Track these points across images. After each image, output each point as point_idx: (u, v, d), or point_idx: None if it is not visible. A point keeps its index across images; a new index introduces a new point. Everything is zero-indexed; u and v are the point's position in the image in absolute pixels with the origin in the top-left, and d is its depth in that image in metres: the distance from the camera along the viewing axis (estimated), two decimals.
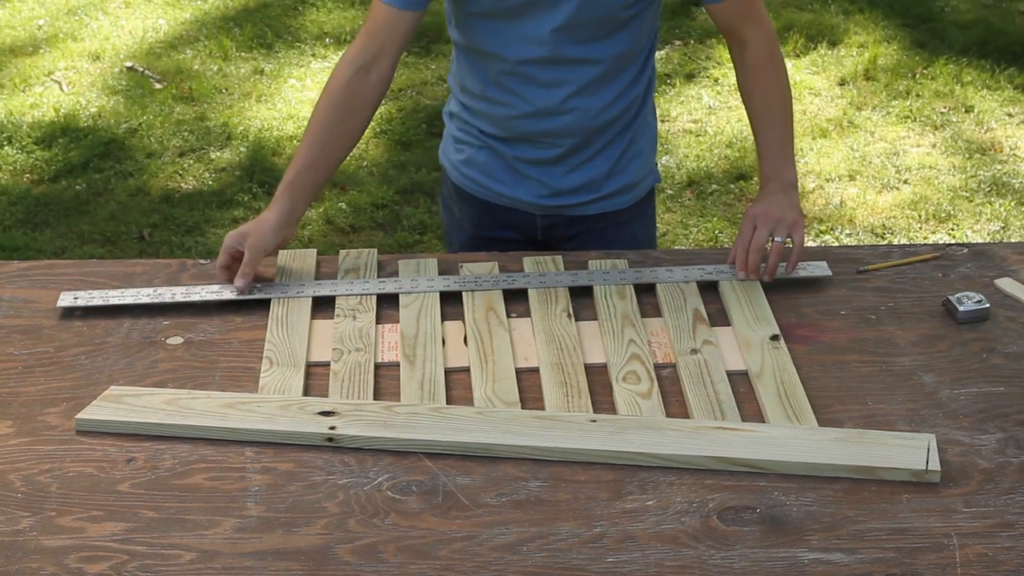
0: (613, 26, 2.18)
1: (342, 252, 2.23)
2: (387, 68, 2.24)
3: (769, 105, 2.25)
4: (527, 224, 2.40)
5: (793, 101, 2.30)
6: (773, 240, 2.13)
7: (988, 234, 4.27)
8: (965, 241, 4.01)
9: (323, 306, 2.09)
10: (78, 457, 1.73)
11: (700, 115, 5.06)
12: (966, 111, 5.06)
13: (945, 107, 5.10)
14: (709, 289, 2.12)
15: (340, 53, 5.55)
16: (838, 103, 5.14)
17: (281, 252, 2.22)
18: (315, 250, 2.24)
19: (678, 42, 5.66)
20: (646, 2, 2.19)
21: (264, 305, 2.08)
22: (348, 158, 4.81)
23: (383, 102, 5.23)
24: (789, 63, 5.41)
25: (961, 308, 2.03)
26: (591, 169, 2.33)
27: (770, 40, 2.25)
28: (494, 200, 2.40)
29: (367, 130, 4.92)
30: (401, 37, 2.23)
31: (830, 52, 5.56)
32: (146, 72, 5.43)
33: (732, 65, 2.32)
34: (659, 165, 4.69)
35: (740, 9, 2.22)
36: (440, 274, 2.16)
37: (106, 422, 1.79)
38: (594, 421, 1.78)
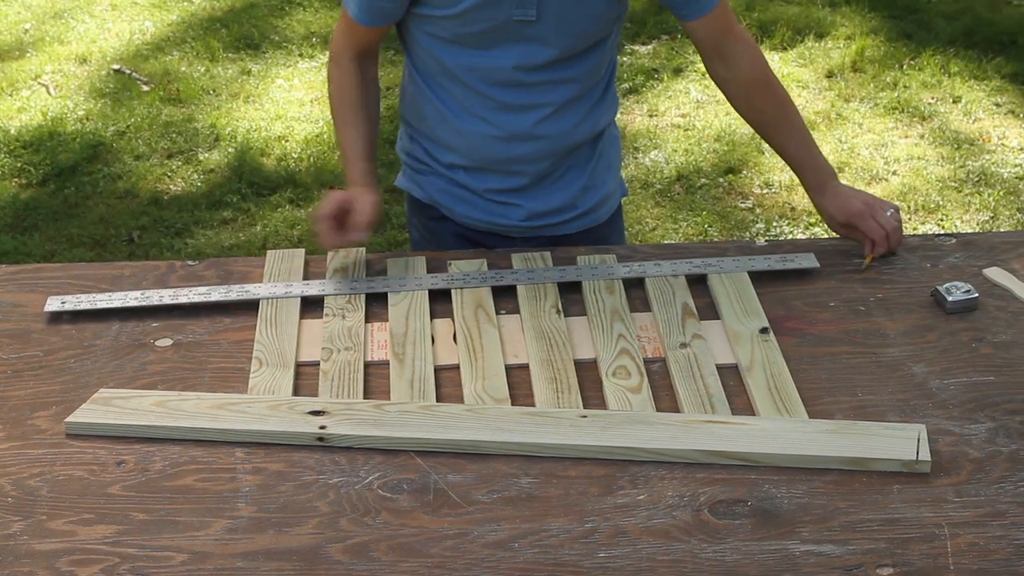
0: (586, 45, 2.16)
1: (330, 252, 2.23)
2: (368, 61, 2.27)
3: (778, 118, 2.24)
4: (506, 247, 2.30)
5: None
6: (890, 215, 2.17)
7: (977, 224, 4.28)
8: (954, 231, 4.02)
9: (312, 306, 2.09)
10: (68, 460, 1.73)
11: (688, 109, 5.06)
12: (953, 102, 5.07)
13: (933, 98, 5.10)
14: (698, 283, 2.12)
15: (326, 53, 5.55)
16: (826, 95, 5.15)
17: (269, 252, 2.22)
18: (303, 250, 2.24)
19: (665, 36, 5.66)
20: (617, 19, 2.17)
21: (253, 306, 2.07)
22: (336, 157, 4.80)
23: None
24: (776, 56, 5.44)
25: (950, 298, 2.03)
26: (566, 189, 2.30)
27: (758, 54, 2.23)
28: (469, 224, 2.35)
29: None
30: (368, 44, 2.24)
31: (817, 44, 5.56)
32: (133, 74, 5.42)
33: (714, 82, 2.28)
34: (648, 159, 4.70)
35: (718, 25, 2.18)
36: (428, 272, 2.16)
37: (96, 425, 1.78)
38: (584, 417, 1.78)
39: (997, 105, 5.04)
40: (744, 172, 4.58)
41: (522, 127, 2.20)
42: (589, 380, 1.89)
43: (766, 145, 4.69)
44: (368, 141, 2.24)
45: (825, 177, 2.23)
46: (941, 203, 4.40)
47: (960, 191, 4.48)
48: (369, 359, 1.95)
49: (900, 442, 1.71)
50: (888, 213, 2.16)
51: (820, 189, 2.24)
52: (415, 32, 2.18)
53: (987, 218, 4.32)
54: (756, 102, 2.24)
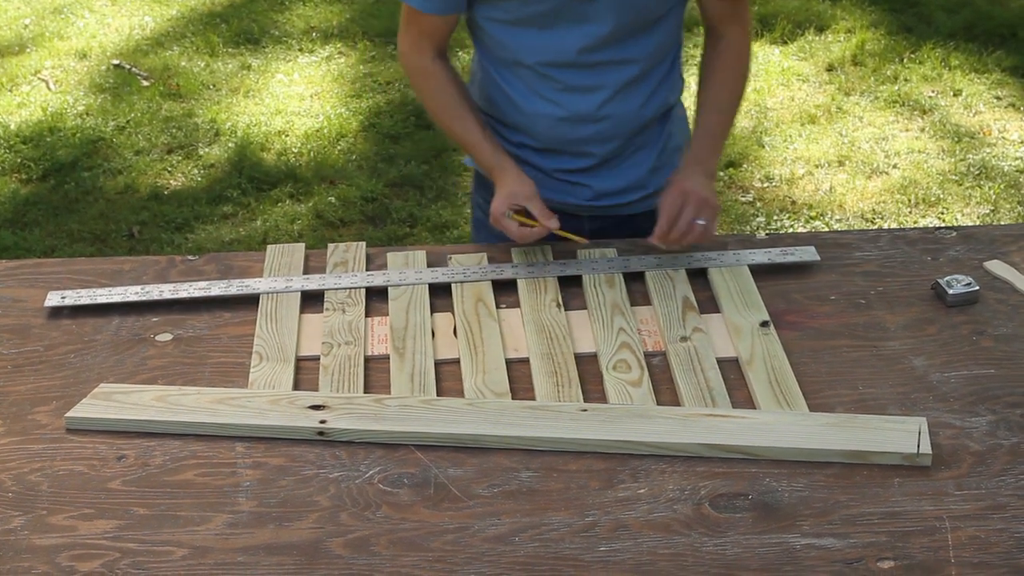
0: (648, 24, 2.16)
1: (330, 246, 2.23)
2: (446, 60, 2.27)
3: (720, 93, 2.26)
4: (575, 228, 2.22)
5: (757, 102, 2.30)
6: (698, 221, 2.11)
7: (978, 217, 4.28)
8: (954, 224, 4.02)
9: (312, 300, 2.09)
10: (68, 455, 1.73)
11: (688, 103, 5.05)
12: (954, 95, 5.06)
13: (933, 91, 5.10)
14: (698, 276, 2.12)
15: (327, 47, 5.57)
16: (826, 89, 5.14)
17: (269, 247, 2.22)
18: (303, 244, 2.23)
19: None
20: None
21: (253, 300, 2.07)
22: (336, 151, 4.81)
23: (371, 95, 5.23)
24: (776, 49, 5.43)
25: (951, 291, 2.03)
26: (634, 168, 2.30)
27: (745, 44, 2.27)
28: None
29: (355, 123, 4.92)
30: (440, 38, 2.23)
31: (817, 38, 5.56)
32: (133, 69, 5.42)
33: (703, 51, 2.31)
34: None
35: (728, 8, 2.22)
36: (429, 266, 2.16)
37: (96, 420, 1.78)
38: (585, 410, 1.78)
39: (998, 98, 5.04)
40: (744, 166, 4.57)
41: (586, 108, 2.21)
42: (589, 374, 1.89)
43: (767, 139, 4.71)
44: (483, 128, 2.23)
45: (697, 158, 2.21)
46: (942, 196, 4.40)
47: (961, 184, 4.47)
48: (369, 353, 1.95)
49: (901, 435, 1.71)
50: (701, 220, 2.10)
51: (684, 163, 2.21)
52: (479, 18, 2.19)
53: (988, 211, 4.32)
54: (710, 71, 2.28)
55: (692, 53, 5.42)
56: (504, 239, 2.18)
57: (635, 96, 2.23)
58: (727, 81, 2.26)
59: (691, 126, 2.30)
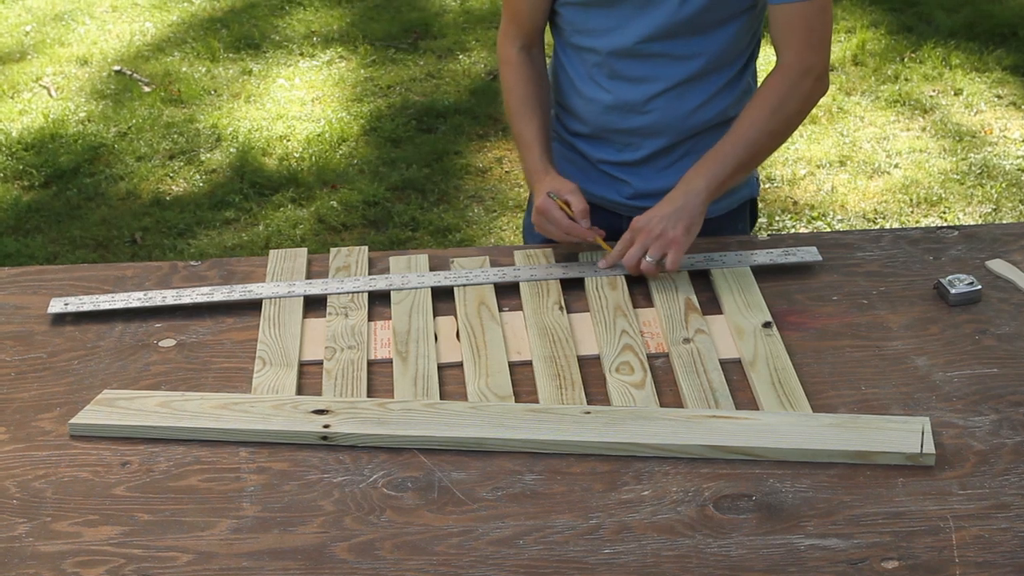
0: (711, 24, 2.15)
1: (333, 250, 2.23)
2: (540, 43, 2.31)
3: (742, 119, 2.14)
4: (612, 226, 2.22)
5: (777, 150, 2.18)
6: (646, 258, 2.06)
7: (980, 216, 4.28)
8: (956, 224, 4.02)
9: (315, 305, 2.09)
10: (73, 462, 1.73)
11: None
12: (955, 94, 5.07)
13: (934, 90, 5.10)
14: (700, 278, 2.12)
15: (327, 51, 5.57)
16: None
17: (272, 252, 2.23)
18: (305, 249, 2.24)
19: None
20: (749, 5, 2.14)
21: (256, 305, 2.08)
22: (338, 156, 4.81)
23: (373, 99, 5.23)
24: None
25: (953, 290, 2.03)
26: (679, 173, 2.16)
27: (792, 77, 2.12)
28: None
29: (357, 128, 4.92)
30: (530, 25, 2.27)
31: None
32: (134, 75, 5.42)
33: None
34: None
35: (783, 23, 2.11)
36: (431, 270, 2.16)
37: (100, 426, 1.78)
38: (588, 413, 1.78)
39: (999, 97, 5.04)
40: None
41: (633, 99, 2.22)
42: (592, 376, 1.89)
43: None
44: (540, 131, 2.25)
45: (690, 180, 2.11)
46: (943, 195, 4.40)
47: (962, 183, 4.47)
48: (372, 357, 1.95)
49: (904, 435, 1.71)
50: (649, 257, 2.05)
51: (679, 184, 2.13)
52: (558, 3, 2.23)
53: (989, 210, 4.32)
54: (748, 106, 2.16)
55: None
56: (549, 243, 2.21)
57: (690, 97, 2.22)
58: (752, 108, 2.14)
59: None
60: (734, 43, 2.20)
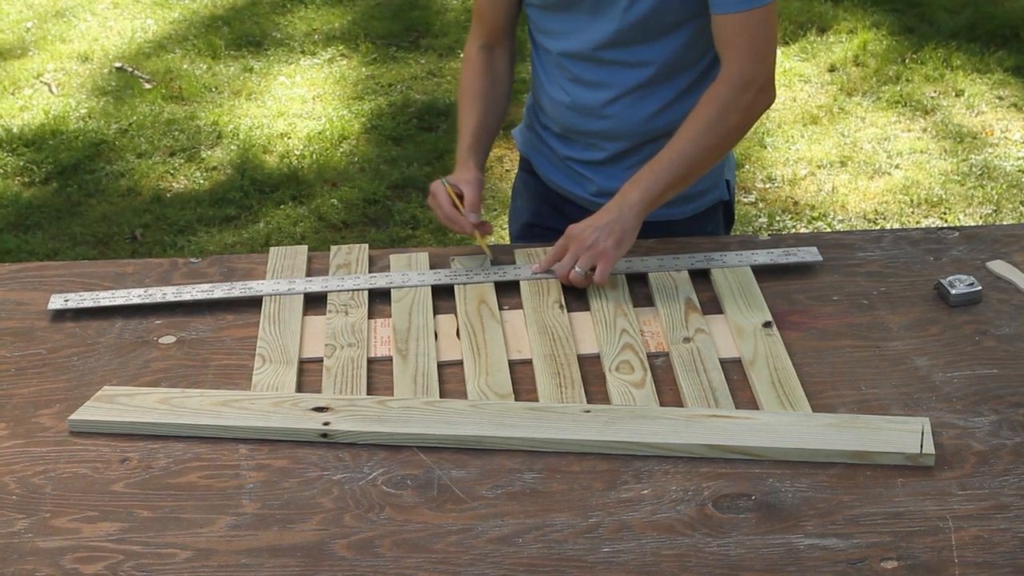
0: (656, 31, 2.14)
1: (333, 248, 2.23)
2: (507, 43, 2.37)
3: (682, 131, 2.11)
4: (581, 218, 2.20)
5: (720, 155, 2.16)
6: (575, 269, 2.05)
7: (980, 217, 4.28)
8: (957, 225, 4.02)
9: (315, 302, 2.09)
10: (72, 458, 1.73)
11: None
12: (956, 95, 5.06)
13: (935, 91, 5.10)
14: (701, 277, 2.12)
15: (328, 50, 5.57)
16: (828, 90, 5.14)
17: (272, 249, 2.23)
18: (306, 246, 2.24)
19: None
20: (691, 14, 2.11)
21: (256, 302, 2.07)
22: (338, 154, 4.81)
23: (373, 97, 5.23)
24: (778, 51, 5.43)
25: (953, 291, 2.03)
26: None
27: (733, 88, 2.08)
28: (551, 185, 2.43)
29: (357, 126, 4.92)
30: (493, 25, 2.33)
31: (819, 39, 5.56)
32: (135, 72, 5.42)
33: None
34: None
35: (732, 34, 2.07)
36: (431, 268, 2.16)
37: (100, 422, 1.78)
38: (588, 411, 1.78)
39: (1000, 98, 5.04)
40: (747, 167, 4.57)
41: (590, 103, 2.25)
42: (592, 375, 1.89)
43: (769, 139, 4.71)
44: (477, 124, 2.31)
45: (626, 193, 2.09)
46: (944, 196, 4.40)
47: (963, 184, 4.47)
48: (372, 355, 1.95)
49: (904, 435, 1.71)
50: (578, 268, 2.04)
51: (616, 195, 2.12)
52: (525, 4, 2.26)
53: (990, 211, 4.32)
54: (688, 118, 2.12)
55: None
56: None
57: (646, 103, 2.22)
58: (691, 120, 2.11)
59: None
60: (685, 51, 2.18)
